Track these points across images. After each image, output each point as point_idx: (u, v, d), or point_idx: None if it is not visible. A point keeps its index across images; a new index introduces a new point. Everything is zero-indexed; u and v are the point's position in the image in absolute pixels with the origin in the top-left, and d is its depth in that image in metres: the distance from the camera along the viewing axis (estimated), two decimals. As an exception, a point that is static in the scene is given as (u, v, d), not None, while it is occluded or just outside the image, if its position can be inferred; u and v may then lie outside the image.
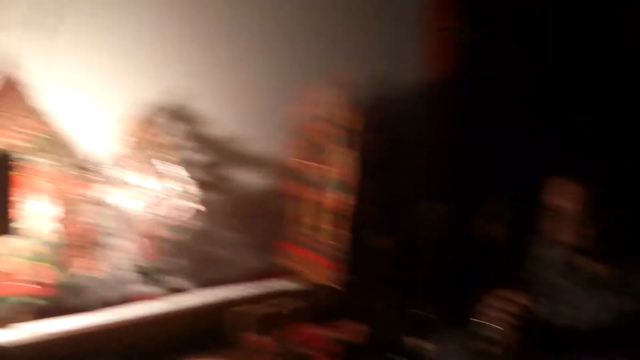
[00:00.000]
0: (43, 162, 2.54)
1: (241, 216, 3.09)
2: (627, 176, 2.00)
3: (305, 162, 3.05)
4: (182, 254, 2.93)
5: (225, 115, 3.04)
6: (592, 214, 1.83)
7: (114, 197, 2.75)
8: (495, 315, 1.87)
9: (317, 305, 2.96)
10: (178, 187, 2.82)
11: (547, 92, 3.87)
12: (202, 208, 2.85)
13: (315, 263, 2.97)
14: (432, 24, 3.42)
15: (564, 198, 1.89)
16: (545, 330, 2.02)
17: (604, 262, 1.91)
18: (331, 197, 2.92)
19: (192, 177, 2.83)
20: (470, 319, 2.87)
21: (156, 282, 2.85)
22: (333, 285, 2.86)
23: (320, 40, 3.21)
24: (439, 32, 3.42)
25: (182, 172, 2.82)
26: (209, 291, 2.98)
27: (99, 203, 2.70)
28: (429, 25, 3.42)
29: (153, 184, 2.80)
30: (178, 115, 2.93)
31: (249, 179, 3.13)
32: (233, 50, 3.06)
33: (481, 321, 2.76)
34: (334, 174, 2.91)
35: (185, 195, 2.83)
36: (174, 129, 2.89)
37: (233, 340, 2.85)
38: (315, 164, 3.00)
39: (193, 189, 2.84)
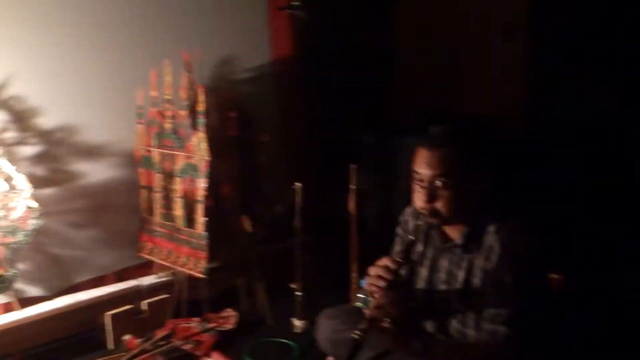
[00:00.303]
0: None
1: (92, 212, 2.89)
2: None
3: (154, 148, 2.90)
4: (25, 258, 2.70)
5: (64, 104, 2.81)
6: (445, 179, 1.93)
7: None
8: (370, 282, 1.91)
9: (185, 297, 2.85)
10: (6, 184, 2.55)
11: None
12: (36, 205, 2.60)
13: (177, 253, 2.85)
14: (273, 3, 3.39)
15: (421, 165, 1.96)
16: (410, 292, 2.12)
17: (454, 224, 2.01)
18: (186, 183, 2.80)
19: (22, 172, 2.58)
20: (347, 290, 2.96)
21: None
22: (199, 274, 2.75)
23: (164, 21, 3.05)
24: (278, 11, 3.39)
25: (9, 166, 2.55)
26: (68, 296, 2.78)
27: None
28: (271, 5, 3.37)
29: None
30: (4, 105, 2.67)
31: (96, 171, 2.92)
32: (70, 34, 2.81)
33: (357, 290, 2.84)
34: (186, 159, 2.79)
35: (16, 193, 2.57)
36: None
37: (98, 344, 2.70)
38: (165, 150, 2.87)
39: (24, 184, 2.57)
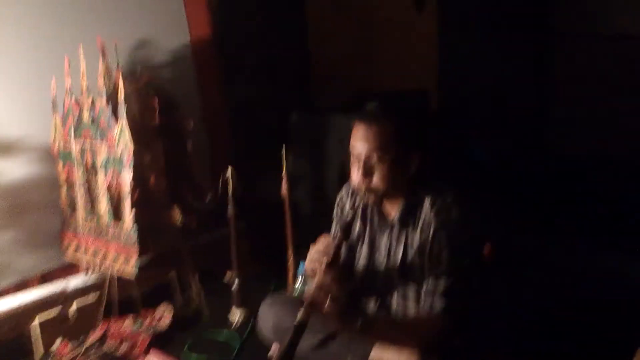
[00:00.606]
0: None
1: (9, 212, 2.71)
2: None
3: (73, 141, 2.74)
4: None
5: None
6: (381, 153, 1.91)
7: None
8: (311, 261, 1.92)
9: (116, 296, 2.73)
10: None
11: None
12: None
13: (105, 250, 2.72)
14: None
15: (358, 140, 1.95)
16: (350, 271, 2.15)
17: (391, 200, 2.03)
18: (110, 176, 2.67)
19: None
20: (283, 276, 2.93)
21: None
22: (130, 271, 2.63)
23: (77, 6, 2.86)
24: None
25: None
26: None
27: None
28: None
29: None
30: None
31: (12, 168, 2.73)
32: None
33: (295, 276, 2.80)
34: (109, 151, 2.65)
35: None
36: None
37: (27, 352, 2.55)
38: (85, 142, 2.72)
39: None
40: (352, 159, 1.97)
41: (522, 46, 3.64)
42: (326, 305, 1.76)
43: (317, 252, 1.92)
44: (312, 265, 1.91)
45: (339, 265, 1.95)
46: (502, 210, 3.30)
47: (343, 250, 2.08)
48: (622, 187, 3.36)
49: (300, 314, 1.76)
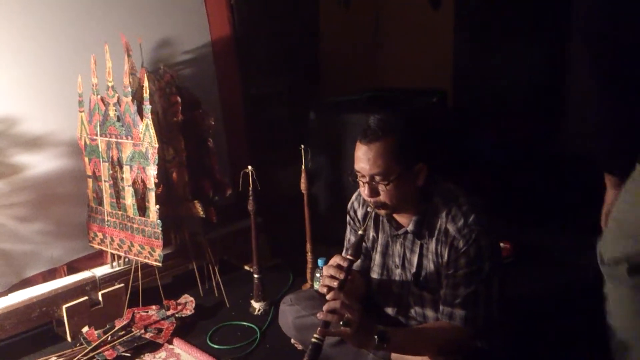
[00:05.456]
0: None
1: (38, 204, 2.80)
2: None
3: (99, 137, 2.84)
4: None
5: (2, 95, 2.69)
6: (382, 176, 1.90)
7: None
8: (323, 284, 1.91)
9: (140, 285, 2.83)
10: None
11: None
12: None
13: (130, 242, 2.83)
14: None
15: (359, 160, 1.93)
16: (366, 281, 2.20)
17: (403, 212, 2.02)
18: (135, 171, 2.77)
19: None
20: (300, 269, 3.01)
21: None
22: (155, 262, 2.74)
23: (102, 6, 2.93)
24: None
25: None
26: (21, 291, 2.70)
27: None
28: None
29: None
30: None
31: (40, 162, 2.81)
32: (5, 22, 2.67)
33: (314, 271, 2.88)
34: (134, 147, 2.75)
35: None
36: None
37: (56, 338, 2.66)
38: (111, 138, 2.82)
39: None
40: (358, 175, 1.96)
41: (540, 44, 3.58)
42: (340, 328, 1.77)
43: (329, 273, 1.90)
44: (324, 287, 1.89)
45: (351, 287, 1.96)
46: (515, 208, 3.32)
47: (357, 264, 2.11)
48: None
49: (316, 336, 1.79)
